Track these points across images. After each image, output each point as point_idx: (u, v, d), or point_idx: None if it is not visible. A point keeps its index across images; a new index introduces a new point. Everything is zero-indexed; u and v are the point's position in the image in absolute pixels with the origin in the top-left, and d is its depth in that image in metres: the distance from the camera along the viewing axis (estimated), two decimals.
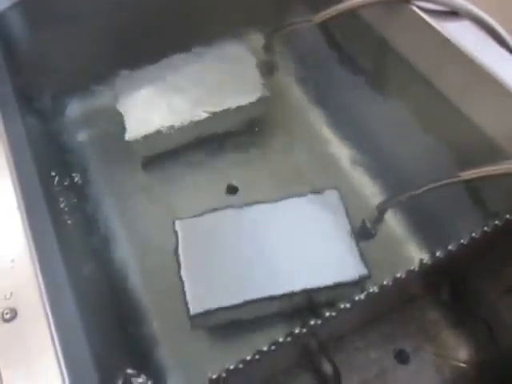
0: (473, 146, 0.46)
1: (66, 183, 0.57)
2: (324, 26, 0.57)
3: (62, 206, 0.51)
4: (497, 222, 0.39)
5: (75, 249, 0.49)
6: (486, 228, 0.39)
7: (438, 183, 0.43)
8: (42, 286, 0.32)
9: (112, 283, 0.53)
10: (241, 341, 0.48)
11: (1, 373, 0.29)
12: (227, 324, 0.48)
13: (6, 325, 0.30)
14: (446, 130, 0.49)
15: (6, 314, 0.31)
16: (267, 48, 0.64)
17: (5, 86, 0.49)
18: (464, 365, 0.51)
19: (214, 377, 0.32)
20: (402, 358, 0.52)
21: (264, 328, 0.49)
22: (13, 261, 0.33)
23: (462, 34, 0.45)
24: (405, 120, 0.54)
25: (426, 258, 0.38)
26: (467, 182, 0.41)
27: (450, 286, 0.54)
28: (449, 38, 0.45)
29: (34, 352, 0.30)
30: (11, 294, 0.31)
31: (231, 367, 0.32)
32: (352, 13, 0.52)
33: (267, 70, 0.65)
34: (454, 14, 0.47)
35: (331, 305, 0.46)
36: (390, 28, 0.52)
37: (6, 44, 0.54)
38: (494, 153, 0.43)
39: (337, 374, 0.49)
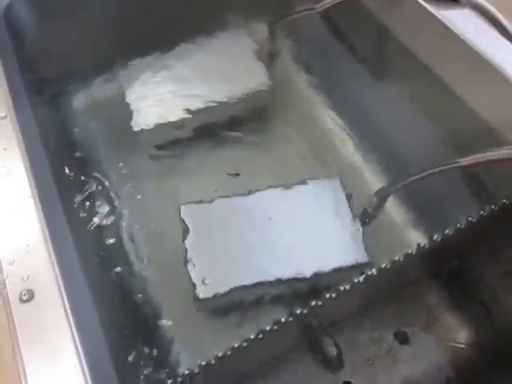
0: (472, 133, 0.46)
1: (75, 171, 0.58)
2: (326, 14, 0.57)
3: (72, 193, 0.53)
4: (493, 207, 0.40)
5: (85, 233, 0.50)
6: (482, 212, 0.40)
7: (437, 169, 0.43)
8: (57, 269, 0.33)
9: (121, 266, 0.54)
10: (244, 321, 0.50)
11: (20, 350, 0.30)
12: (232, 305, 0.49)
13: (25, 305, 0.32)
14: (446, 117, 0.50)
15: (24, 295, 0.32)
16: (270, 37, 0.64)
17: (15, 76, 0.50)
18: (463, 346, 0.53)
19: (220, 355, 0.33)
20: (402, 339, 0.53)
21: (267, 309, 0.50)
22: (28, 245, 0.34)
23: (463, 22, 0.46)
24: (406, 107, 0.55)
25: (424, 242, 0.39)
26: (465, 167, 0.42)
27: (448, 270, 0.55)
28: (449, 25, 0.46)
29: (50, 330, 0.31)
30: (28, 276, 0.33)
31: (236, 345, 0.34)
32: (354, 1, 0.53)
33: (270, 58, 0.65)
34: (454, 1, 0.47)
35: (333, 288, 0.48)
36: (390, 16, 0.52)
37: (14, 35, 0.55)
38: (492, 139, 0.44)
39: (339, 354, 0.51)
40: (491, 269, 0.51)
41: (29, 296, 0.32)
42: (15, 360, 0.31)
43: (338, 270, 0.48)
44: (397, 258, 0.37)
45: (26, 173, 0.38)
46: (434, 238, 0.39)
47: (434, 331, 0.53)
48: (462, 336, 0.53)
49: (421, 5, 0.48)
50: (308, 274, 0.48)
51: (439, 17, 0.47)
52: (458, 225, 0.39)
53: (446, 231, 0.39)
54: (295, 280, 0.48)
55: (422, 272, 0.53)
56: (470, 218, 0.39)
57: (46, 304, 0.32)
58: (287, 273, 0.48)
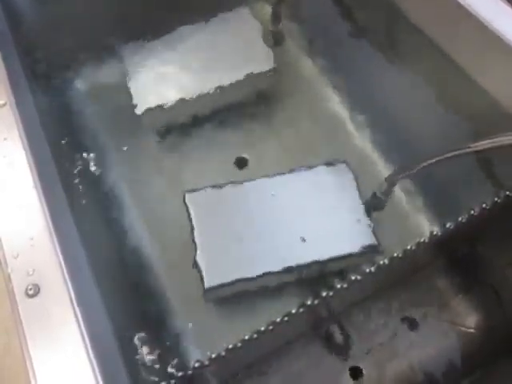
0: (485, 116, 0.45)
1: (78, 159, 0.57)
2: None
3: (75, 181, 0.52)
4: (508, 193, 0.39)
5: (90, 223, 0.50)
6: (496, 199, 0.39)
7: (449, 154, 0.42)
8: (62, 262, 0.33)
9: (126, 256, 0.54)
10: (253, 310, 0.49)
11: (28, 346, 0.30)
12: (239, 294, 0.49)
13: (31, 300, 0.31)
14: (459, 100, 0.48)
15: (30, 289, 0.32)
16: (275, 17, 0.63)
17: (14, 61, 0.48)
18: (473, 330, 0.52)
19: (231, 347, 0.33)
20: (411, 324, 0.53)
21: (276, 298, 0.50)
22: (32, 238, 0.34)
23: (478, 0, 0.44)
24: (417, 90, 0.53)
25: (436, 229, 0.38)
26: (478, 152, 0.41)
27: (459, 254, 0.54)
28: (463, 4, 0.44)
29: (58, 325, 0.31)
30: (33, 270, 0.32)
31: (246, 337, 0.33)
32: None
33: (275, 39, 0.64)
34: None
35: (341, 275, 0.47)
36: None
37: (14, 18, 0.53)
38: (506, 122, 0.43)
39: (347, 339, 0.51)
40: (502, 254, 0.50)
41: (35, 290, 0.32)
42: (23, 354, 0.30)
43: (346, 255, 0.47)
44: (409, 247, 0.36)
45: (27, 163, 0.37)
46: (447, 225, 0.38)
47: (443, 316, 0.53)
48: (471, 321, 0.53)
49: None
50: (316, 259, 0.47)
51: None
52: (472, 212, 0.38)
53: (460, 218, 0.38)
54: (304, 267, 0.48)
55: (434, 258, 0.53)
56: (484, 205, 0.38)
57: (52, 298, 0.32)
58: (295, 259, 0.47)
